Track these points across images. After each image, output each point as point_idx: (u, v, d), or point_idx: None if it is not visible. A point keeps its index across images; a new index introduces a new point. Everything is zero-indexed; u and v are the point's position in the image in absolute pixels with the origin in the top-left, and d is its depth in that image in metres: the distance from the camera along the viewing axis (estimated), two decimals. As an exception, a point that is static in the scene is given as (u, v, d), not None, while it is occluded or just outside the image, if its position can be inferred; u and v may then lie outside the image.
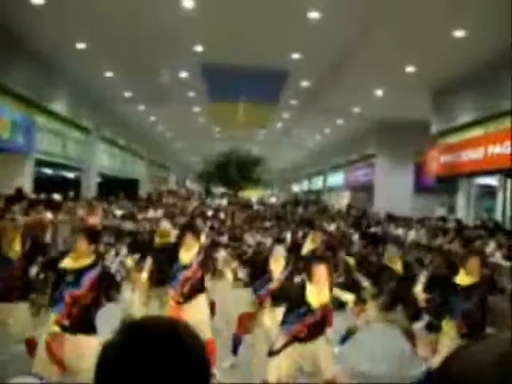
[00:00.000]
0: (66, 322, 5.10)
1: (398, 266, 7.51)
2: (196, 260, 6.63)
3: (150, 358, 1.06)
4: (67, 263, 5.24)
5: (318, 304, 5.30)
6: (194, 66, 15.10)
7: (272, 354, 5.40)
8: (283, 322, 5.47)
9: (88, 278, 5.16)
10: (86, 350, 4.94)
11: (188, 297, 6.56)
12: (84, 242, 5.24)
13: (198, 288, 6.66)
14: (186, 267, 6.57)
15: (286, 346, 5.35)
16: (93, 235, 5.44)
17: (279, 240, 7.49)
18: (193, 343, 1.13)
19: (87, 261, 5.25)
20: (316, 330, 5.37)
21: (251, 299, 6.99)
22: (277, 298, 6.00)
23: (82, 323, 5.13)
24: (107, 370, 1.09)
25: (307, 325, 5.30)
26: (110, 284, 5.52)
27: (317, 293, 5.33)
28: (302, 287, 5.44)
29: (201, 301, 6.67)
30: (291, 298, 5.51)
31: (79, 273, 5.15)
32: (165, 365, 1.06)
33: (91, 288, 5.16)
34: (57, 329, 5.12)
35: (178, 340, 1.11)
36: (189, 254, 6.64)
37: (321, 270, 5.36)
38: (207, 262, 6.95)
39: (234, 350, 7.02)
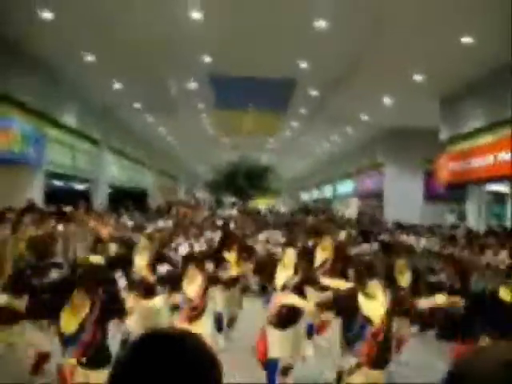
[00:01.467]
0: (84, 360, 5.08)
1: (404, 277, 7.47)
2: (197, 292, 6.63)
3: (157, 361, 1.09)
4: (66, 327, 5.02)
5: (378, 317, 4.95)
6: (202, 75, 15.18)
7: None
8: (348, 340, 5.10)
9: (90, 323, 5.02)
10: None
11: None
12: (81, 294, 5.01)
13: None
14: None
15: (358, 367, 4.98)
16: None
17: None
18: (198, 346, 1.16)
19: (86, 311, 5.05)
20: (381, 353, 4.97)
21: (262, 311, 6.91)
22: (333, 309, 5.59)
23: (99, 358, 5.08)
24: (119, 374, 1.12)
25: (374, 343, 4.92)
26: (113, 308, 5.45)
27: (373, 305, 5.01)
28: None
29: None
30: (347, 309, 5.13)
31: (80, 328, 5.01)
32: (172, 366, 1.09)
33: (95, 328, 5.05)
34: (73, 361, 5.11)
35: (184, 343, 1.15)
36: (193, 286, 6.64)
37: None
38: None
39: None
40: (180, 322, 6.54)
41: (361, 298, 5.01)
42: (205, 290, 6.67)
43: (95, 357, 5.05)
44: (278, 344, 6.08)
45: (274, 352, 6.09)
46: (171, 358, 1.10)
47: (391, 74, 13.57)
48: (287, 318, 6.11)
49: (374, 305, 5.00)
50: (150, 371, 1.08)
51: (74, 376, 5.07)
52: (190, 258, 7.05)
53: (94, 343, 5.05)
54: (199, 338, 1.19)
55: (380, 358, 4.97)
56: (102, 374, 4.98)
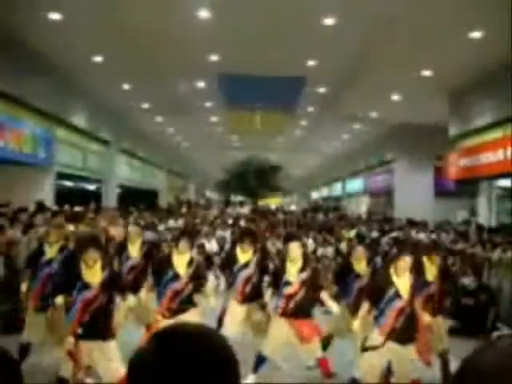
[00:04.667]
0: (79, 330, 5.20)
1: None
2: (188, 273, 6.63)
3: (176, 358, 1.10)
4: (87, 277, 5.37)
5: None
6: (210, 75, 15.18)
7: (366, 349, 5.52)
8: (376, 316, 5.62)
9: (97, 281, 5.38)
10: (103, 354, 5.07)
11: (176, 311, 6.50)
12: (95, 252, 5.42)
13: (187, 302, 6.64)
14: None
15: (384, 343, 5.44)
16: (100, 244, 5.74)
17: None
18: (220, 344, 1.17)
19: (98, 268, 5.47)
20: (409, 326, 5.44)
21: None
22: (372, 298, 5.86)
23: (96, 328, 5.23)
24: (137, 372, 1.13)
25: (397, 312, 5.44)
26: (117, 283, 5.74)
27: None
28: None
29: (192, 315, 6.52)
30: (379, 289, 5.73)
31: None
32: (191, 363, 1.09)
33: (101, 289, 5.33)
34: (72, 340, 5.20)
35: (206, 341, 1.15)
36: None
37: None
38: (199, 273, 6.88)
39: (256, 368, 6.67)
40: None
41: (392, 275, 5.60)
42: None
43: (94, 324, 5.20)
44: None
45: None
46: (190, 355, 1.10)
47: (400, 71, 13.53)
48: None
49: (403, 280, 5.56)
50: (169, 367, 1.08)
51: (79, 353, 5.19)
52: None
53: (96, 306, 5.21)
54: (219, 335, 1.20)
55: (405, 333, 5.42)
56: (105, 347, 5.11)
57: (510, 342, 1.02)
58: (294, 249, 6.57)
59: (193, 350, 1.11)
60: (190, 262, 6.65)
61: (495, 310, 9.52)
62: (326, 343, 7.12)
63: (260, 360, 6.58)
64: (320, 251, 15.44)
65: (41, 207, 12.90)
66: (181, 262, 6.59)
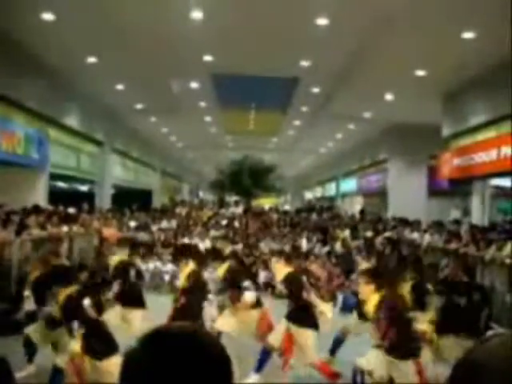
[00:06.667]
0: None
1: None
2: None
3: (168, 357, 1.10)
4: None
5: None
6: (204, 75, 15.18)
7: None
8: None
9: None
10: (106, 370, 5.04)
11: None
12: None
13: None
14: None
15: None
16: None
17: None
18: (209, 343, 1.17)
19: None
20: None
21: None
22: None
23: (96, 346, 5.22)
24: (130, 373, 1.12)
25: None
26: None
27: None
28: None
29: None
30: None
31: None
32: (186, 365, 1.09)
33: None
34: (77, 348, 5.18)
35: (195, 339, 1.15)
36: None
37: None
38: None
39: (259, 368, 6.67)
40: None
41: None
42: None
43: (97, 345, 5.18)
44: None
45: None
46: (182, 354, 1.10)
47: (393, 71, 13.54)
48: None
49: None
50: (161, 366, 1.08)
51: (83, 365, 5.16)
52: None
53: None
54: (210, 335, 1.20)
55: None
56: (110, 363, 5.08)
57: (502, 340, 1.03)
58: None
59: (185, 349, 1.11)
60: None
61: (488, 310, 9.54)
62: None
63: (265, 356, 6.63)
64: (316, 250, 15.49)
65: (35, 209, 12.86)
66: None
